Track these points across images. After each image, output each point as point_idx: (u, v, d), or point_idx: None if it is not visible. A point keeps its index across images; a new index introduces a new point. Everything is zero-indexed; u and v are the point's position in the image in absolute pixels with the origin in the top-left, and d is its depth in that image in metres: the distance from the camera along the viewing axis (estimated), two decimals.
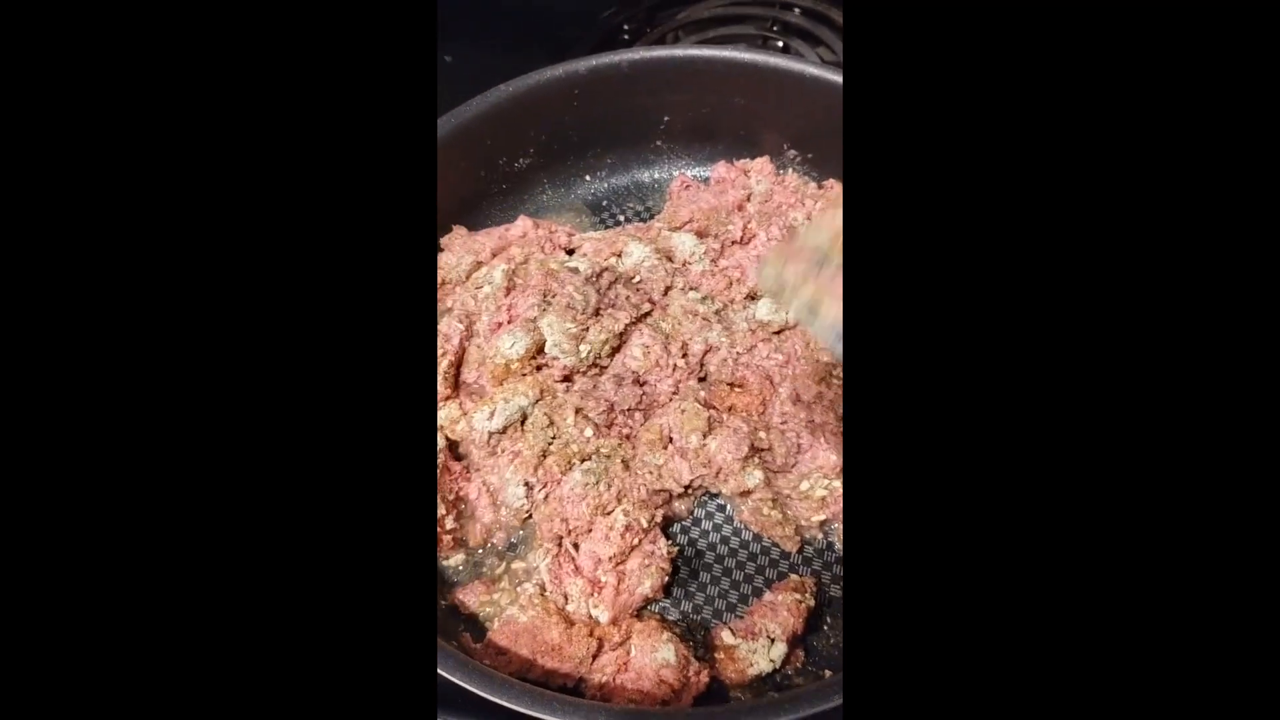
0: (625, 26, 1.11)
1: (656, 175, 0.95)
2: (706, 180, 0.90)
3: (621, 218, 0.92)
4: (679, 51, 0.86)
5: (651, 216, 0.90)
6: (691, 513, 0.72)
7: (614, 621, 0.63)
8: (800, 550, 0.69)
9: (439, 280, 0.82)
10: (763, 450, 0.69)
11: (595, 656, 0.62)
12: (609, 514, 0.66)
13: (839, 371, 0.72)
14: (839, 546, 0.69)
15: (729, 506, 0.72)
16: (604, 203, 0.94)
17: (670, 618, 0.67)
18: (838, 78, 0.79)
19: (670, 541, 0.67)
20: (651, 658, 0.60)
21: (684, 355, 0.74)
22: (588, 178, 0.94)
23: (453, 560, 0.70)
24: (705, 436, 0.68)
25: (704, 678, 0.61)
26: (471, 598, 0.67)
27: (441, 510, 0.67)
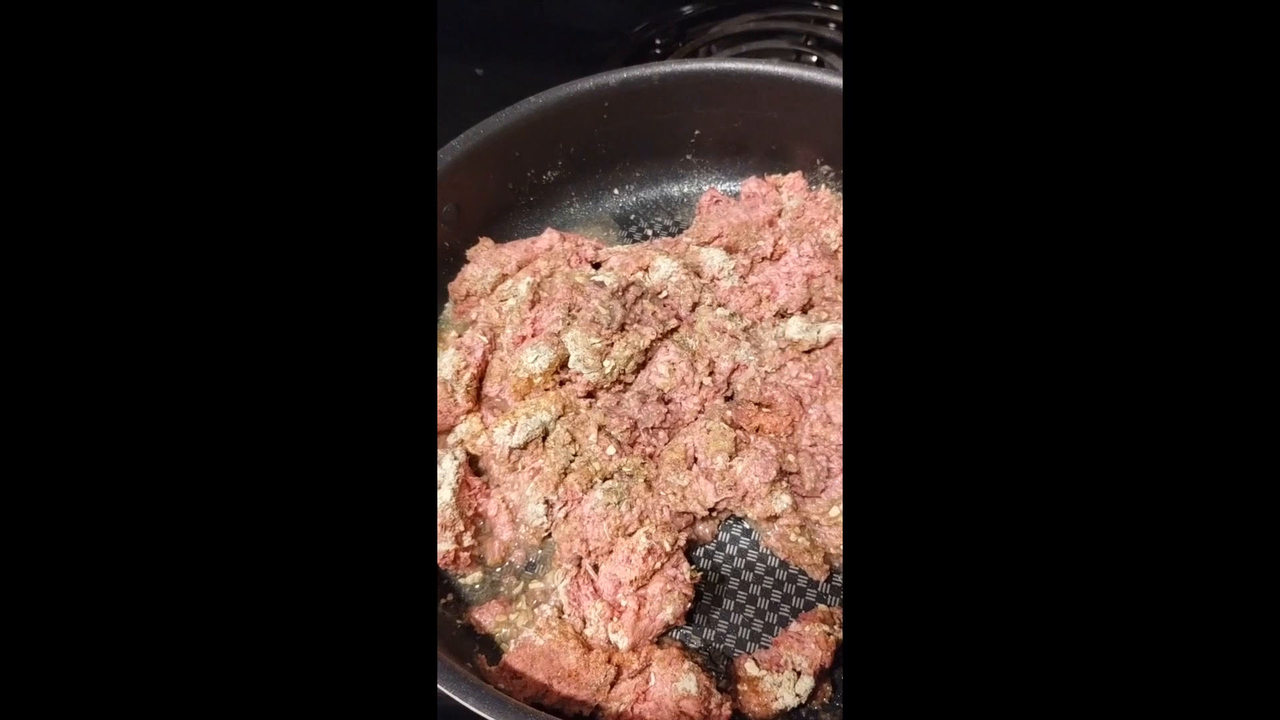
0: (657, 41, 1.11)
1: (686, 189, 0.93)
2: (737, 195, 0.88)
3: (649, 232, 0.91)
4: (711, 65, 0.85)
5: (680, 231, 0.89)
6: (715, 536, 0.70)
7: (633, 648, 0.61)
8: (829, 579, 0.66)
9: (464, 292, 0.81)
10: (791, 474, 0.67)
11: (613, 684, 0.60)
12: (630, 535, 0.64)
13: None
14: None
15: (754, 531, 0.69)
16: (632, 216, 0.92)
17: (692, 645, 0.65)
18: None
19: (694, 566, 0.65)
20: (672, 688, 0.58)
21: (711, 373, 0.72)
22: (616, 191, 0.93)
23: (470, 578, 0.68)
24: (731, 458, 0.65)
25: (726, 710, 0.59)
26: (488, 618, 0.66)
27: (460, 527, 0.66)
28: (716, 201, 0.86)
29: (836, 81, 0.80)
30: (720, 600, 0.67)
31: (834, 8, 1.07)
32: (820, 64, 1.00)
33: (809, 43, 1.04)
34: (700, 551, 0.69)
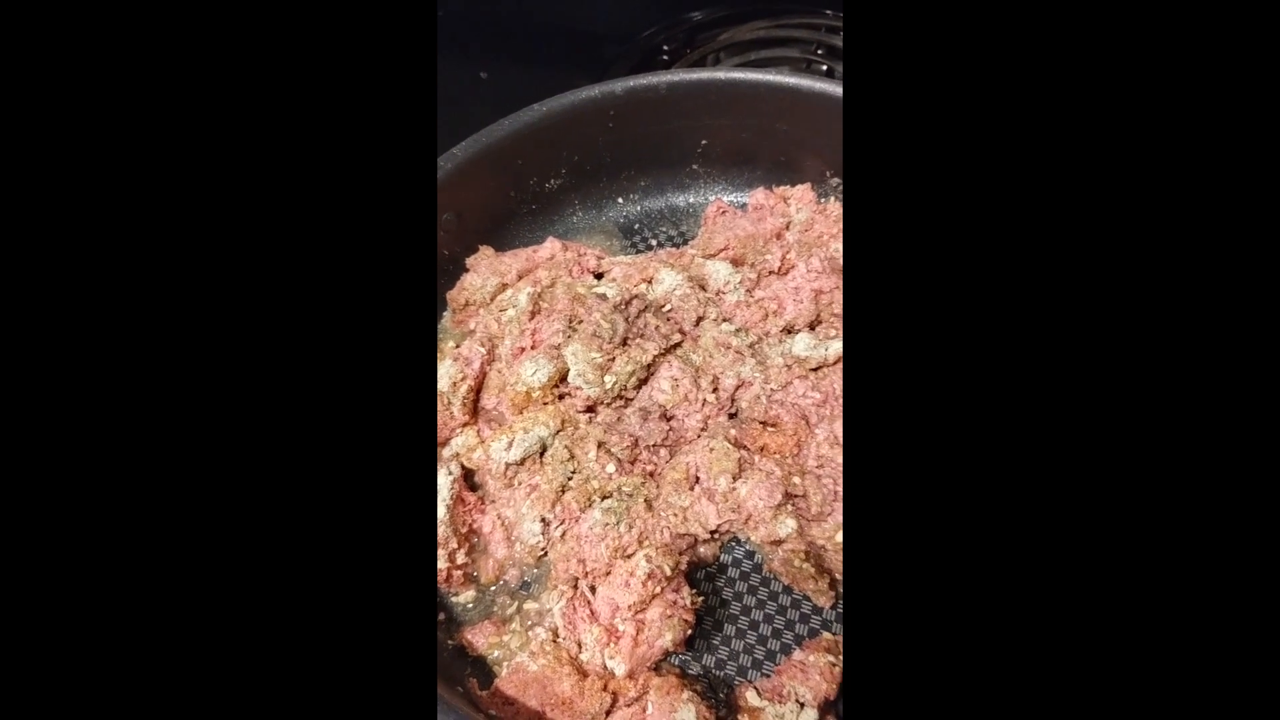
0: (665, 47, 1.09)
1: (692, 200, 0.91)
2: (744, 206, 0.86)
3: (654, 242, 0.89)
4: (720, 74, 0.83)
5: (685, 242, 0.87)
6: (717, 558, 0.67)
7: (630, 675, 0.59)
8: (834, 606, 0.64)
9: (463, 301, 0.79)
10: (796, 496, 0.65)
11: (609, 713, 0.58)
12: (629, 558, 0.62)
13: None
14: None
15: (757, 553, 0.67)
16: (636, 226, 0.91)
17: (691, 672, 0.62)
18: None
19: (695, 591, 0.63)
20: (670, 718, 0.55)
21: (714, 390, 0.70)
22: (620, 200, 0.91)
23: (463, 597, 0.66)
24: (735, 479, 0.63)
25: None
26: (480, 639, 0.64)
27: (453, 543, 0.64)
28: (723, 213, 0.85)
29: None
30: (721, 625, 0.65)
31: None
32: (830, 74, 0.99)
33: (820, 51, 1.03)
34: (701, 574, 0.67)
